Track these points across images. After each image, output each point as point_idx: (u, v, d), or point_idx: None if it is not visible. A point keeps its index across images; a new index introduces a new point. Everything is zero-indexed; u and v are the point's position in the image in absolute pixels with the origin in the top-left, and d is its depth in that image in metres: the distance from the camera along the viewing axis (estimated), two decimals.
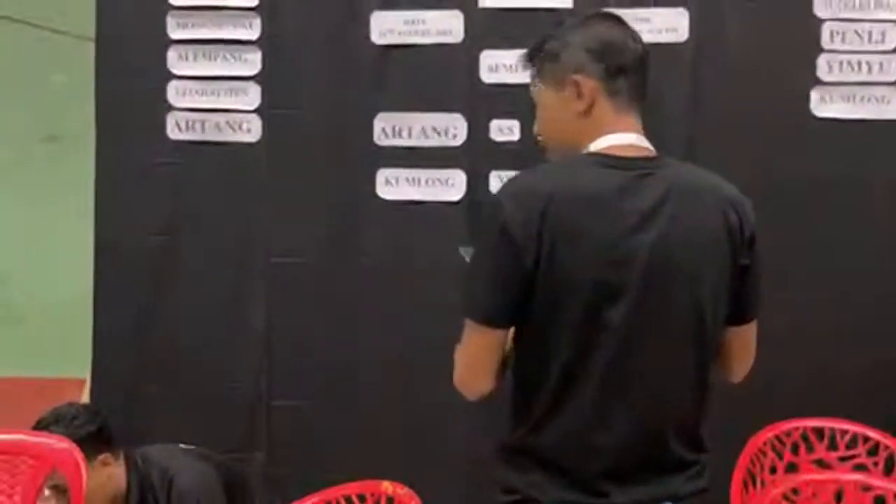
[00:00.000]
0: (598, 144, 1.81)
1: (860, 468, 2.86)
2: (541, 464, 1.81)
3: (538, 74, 1.90)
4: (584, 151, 1.81)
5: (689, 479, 1.85)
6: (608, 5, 3.05)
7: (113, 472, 2.69)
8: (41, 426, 2.66)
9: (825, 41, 3.07)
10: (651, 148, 1.84)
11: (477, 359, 1.83)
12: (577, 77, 1.82)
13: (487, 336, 1.80)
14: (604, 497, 1.79)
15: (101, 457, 2.67)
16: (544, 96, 1.89)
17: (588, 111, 1.83)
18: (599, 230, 1.72)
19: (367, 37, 3.13)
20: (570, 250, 1.71)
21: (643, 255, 1.73)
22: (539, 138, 1.94)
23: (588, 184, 1.75)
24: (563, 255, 1.71)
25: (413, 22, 3.12)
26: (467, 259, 1.89)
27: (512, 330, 1.83)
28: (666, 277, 1.75)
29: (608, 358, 1.75)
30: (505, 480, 1.87)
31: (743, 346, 1.94)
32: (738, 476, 2.78)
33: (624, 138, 1.81)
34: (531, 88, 1.93)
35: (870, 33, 3.05)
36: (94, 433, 2.66)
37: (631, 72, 1.84)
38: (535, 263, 1.71)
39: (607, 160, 1.78)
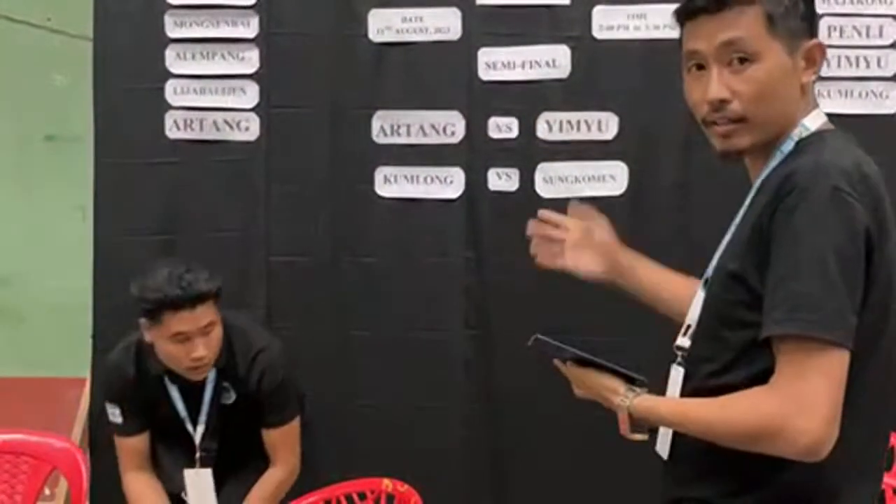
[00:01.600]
0: (816, 122, 1.60)
1: None
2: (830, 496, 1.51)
3: (770, 24, 1.54)
4: (815, 129, 1.58)
5: None
6: (604, 2, 3.07)
7: (220, 330, 2.71)
8: (174, 279, 2.59)
9: (823, 36, 3.06)
10: None
11: (842, 394, 1.43)
12: (812, 43, 1.57)
13: (846, 362, 1.43)
14: None
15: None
16: (772, 55, 1.54)
17: (807, 86, 1.58)
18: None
19: (365, 34, 3.13)
20: (891, 240, 1.49)
21: None
22: (735, 109, 1.57)
23: (871, 163, 1.54)
24: (889, 246, 1.48)
25: (411, 19, 3.12)
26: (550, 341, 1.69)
27: None
28: None
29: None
30: None
31: None
32: None
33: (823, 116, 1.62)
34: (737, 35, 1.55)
35: (868, 28, 3.05)
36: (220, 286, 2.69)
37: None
38: (877, 262, 1.45)
39: (849, 136, 1.61)
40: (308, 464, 3.13)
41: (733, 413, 1.48)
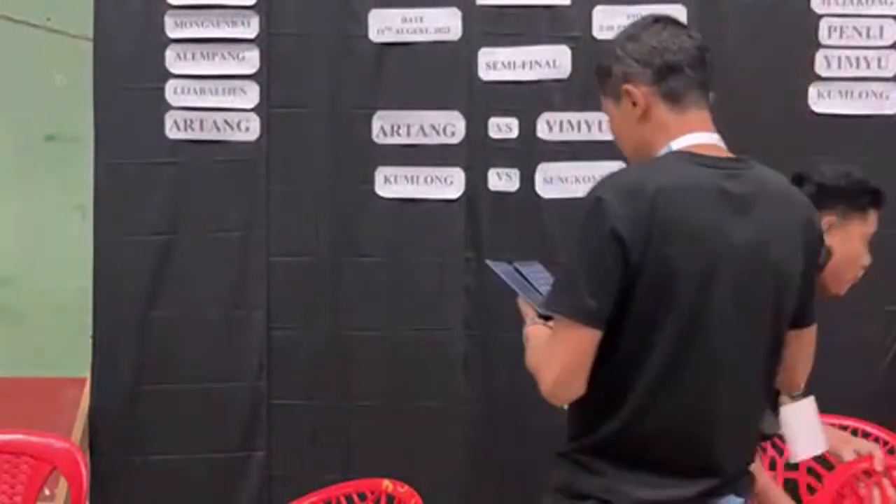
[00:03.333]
0: (681, 143, 1.83)
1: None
2: (623, 462, 1.80)
3: (601, 91, 1.93)
4: (667, 150, 1.83)
5: (748, 472, 1.91)
6: (604, 2, 3.07)
7: None
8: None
9: (823, 37, 3.07)
10: (727, 149, 1.87)
11: (576, 361, 1.77)
12: (628, 86, 1.85)
13: (590, 336, 1.76)
14: (686, 490, 1.81)
15: None
16: (609, 109, 1.92)
17: (645, 116, 1.85)
18: (703, 224, 1.75)
19: (365, 35, 3.13)
20: (676, 246, 1.73)
21: (741, 249, 1.77)
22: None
23: (688, 179, 1.77)
24: (669, 250, 1.72)
25: (411, 20, 3.12)
26: (497, 272, 1.95)
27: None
28: (760, 273, 1.79)
29: (708, 347, 1.77)
30: (573, 484, 1.84)
31: (807, 350, 1.99)
32: None
33: (705, 138, 1.84)
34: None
35: (868, 29, 3.05)
36: None
37: (685, 68, 1.84)
38: (640, 259, 1.71)
39: (697, 158, 1.80)
40: (308, 464, 3.15)
41: (534, 354, 1.88)
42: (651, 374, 1.76)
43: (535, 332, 1.94)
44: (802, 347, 1.98)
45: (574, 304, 1.75)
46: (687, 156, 1.81)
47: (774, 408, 1.95)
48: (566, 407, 1.86)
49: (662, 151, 1.83)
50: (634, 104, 1.85)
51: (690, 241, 1.74)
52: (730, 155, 1.86)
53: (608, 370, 1.79)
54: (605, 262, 1.72)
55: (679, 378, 1.77)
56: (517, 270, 2.03)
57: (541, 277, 2.05)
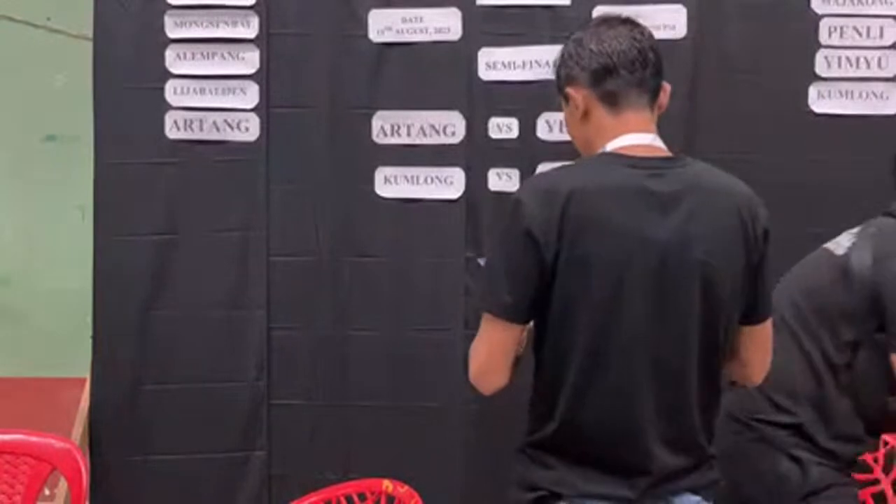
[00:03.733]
0: (614, 144, 1.90)
1: (860, 464, 2.86)
2: (568, 457, 1.89)
3: (557, 92, 2.03)
4: (600, 151, 1.91)
5: (707, 470, 1.94)
6: (604, 2, 3.07)
7: None
8: None
9: (823, 37, 3.06)
10: (665, 148, 1.91)
11: (496, 353, 1.90)
12: (569, 90, 1.95)
13: (508, 331, 1.88)
14: (630, 487, 1.86)
15: None
16: (563, 111, 2.02)
17: (586, 117, 1.94)
18: (618, 221, 1.81)
19: (365, 35, 3.13)
20: (590, 243, 1.80)
21: (660, 247, 1.82)
22: None
23: (606, 180, 1.84)
24: (583, 248, 1.80)
25: (411, 20, 3.12)
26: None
27: (528, 327, 1.91)
28: (682, 268, 1.83)
29: (625, 342, 1.83)
30: (528, 478, 1.94)
31: (761, 346, 2.01)
32: None
33: (639, 138, 1.90)
34: None
35: (868, 29, 3.05)
36: None
37: (621, 71, 1.89)
38: (555, 258, 1.80)
39: (623, 159, 1.87)
40: (308, 464, 3.15)
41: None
42: (575, 370, 1.85)
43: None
44: (756, 344, 2.00)
45: (493, 301, 1.87)
46: (614, 157, 1.88)
47: (716, 404, 1.95)
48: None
49: (598, 153, 1.92)
50: (576, 106, 1.94)
51: (603, 239, 1.81)
52: (663, 154, 1.91)
53: (544, 368, 1.91)
54: (521, 261, 1.82)
55: (600, 374, 1.85)
56: None
57: None
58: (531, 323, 1.92)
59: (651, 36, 1.95)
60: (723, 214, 1.87)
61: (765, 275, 1.95)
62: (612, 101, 1.91)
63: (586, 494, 1.87)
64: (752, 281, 1.91)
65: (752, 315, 1.95)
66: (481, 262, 2.13)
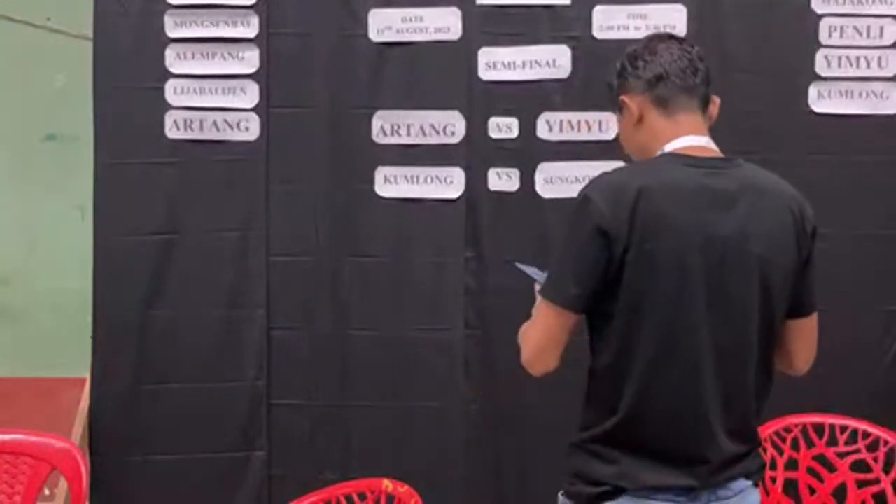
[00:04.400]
0: (674, 145, 1.99)
1: (860, 463, 2.86)
2: (631, 450, 1.94)
3: (612, 105, 2.14)
4: (660, 152, 2.00)
5: (757, 455, 2.04)
6: (604, 2, 3.07)
7: None
8: None
9: (823, 37, 3.06)
10: (718, 150, 2.01)
11: (553, 339, 1.98)
12: (624, 97, 2.06)
13: (566, 319, 1.96)
14: (693, 476, 1.93)
15: None
16: (618, 120, 2.12)
17: (640, 122, 2.04)
18: (683, 220, 1.89)
19: (365, 34, 3.13)
20: (658, 240, 1.88)
21: (722, 242, 1.90)
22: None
23: (670, 179, 1.93)
24: (651, 244, 1.88)
25: (411, 19, 3.12)
26: (525, 270, 2.16)
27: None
28: (742, 264, 1.91)
29: (695, 339, 1.91)
30: (589, 473, 1.99)
31: (807, 339, 2.10)
32: None
33: (695, 140, 2.00)
34: None
35: (868, 28, 3.05)
36: None
37: (673, 77, 2.02)
38: (624, 253, 1.88)
39: (683, 158, 1.96)
40: (308, 464, 3.14)
41: (524, 329, 2.05)
42: (643, 362, 1.91)
43: (535, 311, 2.08)
44: (802, 336, 2.09)
45: (559, 290, 1.95)
46: (675, 157, 1.97)
47: (768, 392, 2.03)
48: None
49: (658, 154, 2.00)
50: (631, 112, 2.04)
51: (670, 235, 1.89)
52: (718, 155, 2.01)
53: (608, 361, 1.96)
54: (590, 254, 1.90)
55: (667, 365, 1.91)
56: (541, 269, 2.17)
57: None
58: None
59: (700, 51, 2.06)
60: (776, 212, 1.96)
61: (812, 271, 2.03)
62: (664, 104, 2.01)
63: (650, 487, 1.93)
64: (801, 276, 2.01)
65: (800, 308, 2.04)
66: (521, 266, 2.20)
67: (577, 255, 1.93)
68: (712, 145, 2.02)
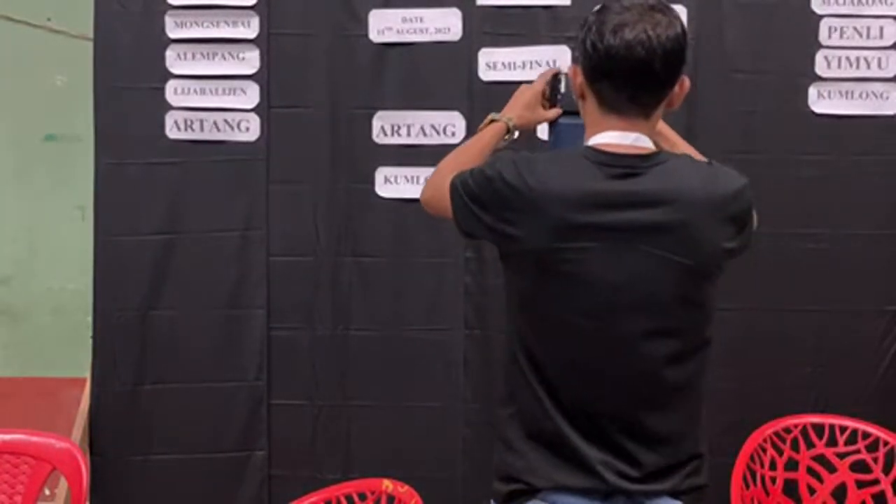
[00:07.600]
0: (595, 140, 1.87)
1: (860, 464, 2.86)
2: (545, 444, 1.91)
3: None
4: (585, 143, 1.89)
5: (687, 476, 1.88)
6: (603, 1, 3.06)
7: None
8: None
9: (823, 37, 3.06)
10: (650, 146, 1.85)
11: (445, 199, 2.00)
12: (575, 67, 1.91)
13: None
14: (603, 479, 1.84)
15: None
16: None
17: (583, 97, 1.92)
18: (571, 216, 1.80)
19: (366, 35, 3.13)
20: (532, 229, 1.83)
21: (625, 238, 1.79)
22: None
23: (569, 177, 1.83)
24: (524, 232, 1.84)
25: (411, 20, 3.12)
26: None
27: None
28: (648, 261, 1.80)
29: (606, 336, 1.83)
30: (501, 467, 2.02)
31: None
32: (737, 472, 2.79)
33: (622, 137, 1.84)
34: None
35: (868, 29, 3.05)
36: None
37: (616, 80, 1.81)
38: (497, 226, 1.88)
39: (597, 156, 1.83)
40: (308, 464, 3.15)
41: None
42: (563, 357, 1.87)
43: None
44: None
45: (460, 184, 1.96)
46: (589, 152, 1.85)
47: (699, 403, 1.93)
48: None
49: (588, 141, 1.88)
50: (577, 85, 1.92)
51: (545, 224, 1.82)
52: (640, 152, 1.84)
53: (517, 350, 1.92)
54: (492, 188, 1.89)
55: (580, 364, 1.85)
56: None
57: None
58: None
59: (674, 37, 1.78)
60: (706, 203, 1.81)
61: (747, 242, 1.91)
62: (602, 100, 1.86)
63: (559, 487, 1.89)
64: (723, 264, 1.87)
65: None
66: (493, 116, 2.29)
67: (474, 188, 1.94)
68: (642, 142, 1.84)
